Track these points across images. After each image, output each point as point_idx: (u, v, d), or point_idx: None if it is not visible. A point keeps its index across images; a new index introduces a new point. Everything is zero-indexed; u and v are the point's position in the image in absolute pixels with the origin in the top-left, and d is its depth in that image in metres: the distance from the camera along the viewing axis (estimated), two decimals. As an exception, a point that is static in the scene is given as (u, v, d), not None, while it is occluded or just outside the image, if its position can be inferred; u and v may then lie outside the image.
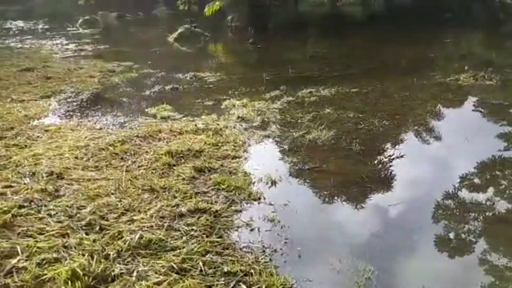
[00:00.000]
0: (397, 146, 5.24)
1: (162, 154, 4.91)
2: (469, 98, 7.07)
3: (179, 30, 14.58)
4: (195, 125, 5.89)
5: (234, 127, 5.84)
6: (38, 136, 5.76)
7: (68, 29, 19.62)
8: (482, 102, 6.83)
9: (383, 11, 22.67)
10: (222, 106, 6.90)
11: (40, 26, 21.57)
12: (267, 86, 7.97)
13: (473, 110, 6.55)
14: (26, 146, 5.38)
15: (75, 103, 7.56)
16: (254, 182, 4.29)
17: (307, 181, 4.38)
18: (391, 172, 4.59)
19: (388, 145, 5.33)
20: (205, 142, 5.25)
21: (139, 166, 4.69)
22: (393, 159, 4.85)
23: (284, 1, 16.57)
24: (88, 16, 21.52)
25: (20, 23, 23.19)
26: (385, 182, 4.39)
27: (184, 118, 6.34)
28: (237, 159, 4.85)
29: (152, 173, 4.49)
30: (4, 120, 6.54)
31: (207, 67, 9.70)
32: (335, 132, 5.50)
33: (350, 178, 4.40)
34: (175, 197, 3.96)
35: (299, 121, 6.05)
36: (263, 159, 4.86)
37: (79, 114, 6.95)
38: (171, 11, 26.77)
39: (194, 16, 15.61)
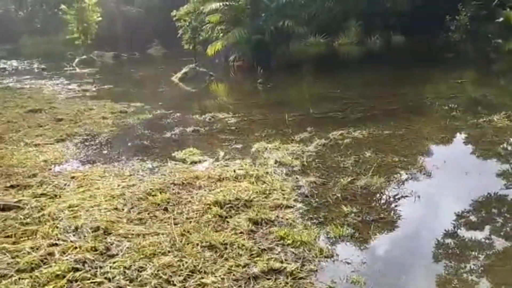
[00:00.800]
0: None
1: (209, 204, 4.55)
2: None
3: (184, 70, 14.38)
4: (234, 171, 5.53)
5: (275, 173, 5.49)
6: (65, 184, 5.37)
7: (65, 68, 19.34)
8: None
9: (379, 50, 22.96)
10: (253, 149, 6.59)
11: (36, 66, 21.29)
12: (293, 128, 7.70)
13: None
14: (56, 196, 4.99)
15: (94, 147, 7.22)
16: (319, 236, 3.93)
17: (376, 234, 4.03)
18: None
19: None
20: (251, 190, 4.88)
21: (187, 218, 4.32)
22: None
23: (278, 42, 16.46)
24: (85, 56, 21.30)
25: (14, 63, 22.89)
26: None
27: (217, 163, 5.98)
28: (291, 209, 4.50)
29: (205, 226, 4.11)
30: (23, 166, 6.17)
31: (223, 108, 9.42)
32: (386, 178, 5.18)
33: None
34: (241, 255, 3.58)
35: (341, 165, 5.75)
36: (318, 209, 4.52)
37: (101, 158, 6.58)
38: (166, 50, 26.86)
39: (194, 56, 15.40)
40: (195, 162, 6.13)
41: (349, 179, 5.22)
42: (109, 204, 4.66)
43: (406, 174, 5.43)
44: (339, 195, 4.83)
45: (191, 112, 9.36)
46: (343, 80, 13.18)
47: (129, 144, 7.37)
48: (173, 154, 6.54)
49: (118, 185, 5.27)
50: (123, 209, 4.53)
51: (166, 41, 27.03)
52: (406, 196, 4.80)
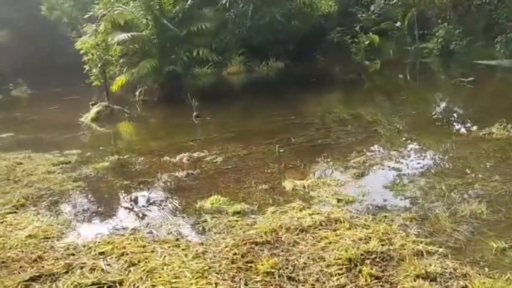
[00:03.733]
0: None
1: (343, 261, 3.64)
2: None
3: (95, 109, 12.71)
4: (311, 216, 4.65)
5: (358, 214, 4.73)
6: (108, 265, 4.00)
7: None
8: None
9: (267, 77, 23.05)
10: (287, 189, 5.73)
11: None
12: (294, 159, 6.99)
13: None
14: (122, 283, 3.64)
15: (79, 209, 5.75)
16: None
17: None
18: None
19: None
20: (365, 238, 4.07)
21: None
22: None
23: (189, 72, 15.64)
24: None
25: None
26: None
27: (271, 209, 5.02)
28: (435, 255, 3.77)
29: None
30: (11, 248, 4.56)
31: (187, 148, 8.26)
32: (487, 204, 4.71)
33: None
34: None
35: (413, 194, 5.17)
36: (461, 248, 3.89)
37: (109, 223, 5.20)
38: (34, 91, 24.01)
39: (107, 93, 13.79)
40: (239, 212, 5.08)
41: (443, 207, 4.65)
42: (207, 283, 3.49)
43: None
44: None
45: (154, 155, 8.07)
46: (278, 106, 12.75)
47: (124, 199, 5.98)
48: (197, 206, 5.39)
49: (185, 255, 4.06)
50: (241, 288, 3.40)
51: (29, 80, 24.27)
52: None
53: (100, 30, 13.18)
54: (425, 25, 24.83)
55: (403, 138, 8.08)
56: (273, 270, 3.64)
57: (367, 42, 24.62)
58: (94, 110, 12.77)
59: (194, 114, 11.49)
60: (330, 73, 21.76)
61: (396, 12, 26.07)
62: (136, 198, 5.95)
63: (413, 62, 21.61)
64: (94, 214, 5.56)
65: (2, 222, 5.38)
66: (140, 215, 5.38)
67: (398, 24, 25.99)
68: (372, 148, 7.42)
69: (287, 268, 3.68)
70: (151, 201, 5.79)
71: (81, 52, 13.34)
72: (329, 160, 6.88)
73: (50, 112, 15.64)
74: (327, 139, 8.22)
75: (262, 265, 3.72)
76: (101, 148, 9.20)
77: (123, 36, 13.29)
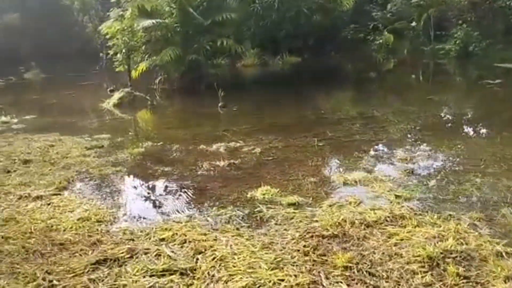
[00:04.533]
0: None
1: (424, 262, 3.53)
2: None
3: (118, 95, 12.57)
4: (374, 212, 4.55)
5: (414, 211, 4.61)
6: (174, 252, 3.90)
7: None
8: None
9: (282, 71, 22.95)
10: (337, 183, 5.63)
11: None
12: (340, 153, 6.89)
13: None
14: (194, 272, 3.55)
15: (124, 194, 5.63)
16: None
17: None
18: None
19: None
20: (439, 236, 3.97)
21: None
22: None
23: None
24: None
25: None
26: None
27: (327, 203, 4.92)
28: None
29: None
30: (63, 230, 4.46)
31: (221, 138, 8.16)
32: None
33: None
34: None
35: (472, 194, 5.07)
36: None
37: (162, 208, 5.10)
38: (46, 75, 23.86)
39: (129, 79, 13.64)
40: (293, 204, 4.98)
41: None
42: (285, 274, 3.39)
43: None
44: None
45: (188, 143, 7.95)
46: (302, 100, 12.65)
47: (170, 186, 5.87)
48: (248, 196, 5.28)
49: (252, 245, 3.96)
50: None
51: (40, 64, 24.13)
52: None
53: (126, 15, 13.02)
54: (440, 26, 24.68)
55: (450, 137, 7.82)
56: (350, 265, 3.54)
57: (380, 41, 24.61)
58: (116, 95, 12.64)
59: (220, 104, 11.36)
60: (345, 70, 21.71)
61: (411, 11, 25.88)
62: (182, 185, 5.83)
63: (428, 63, 21.46)
64: (143, 200, 5.46)
65: (49, 204, 5.27)
66: (190, 202, 5.27)
67: (414, 24, 25.81)
68: (416, 145, 7.30)
69: (364, 263, 3.57)
70: (198, 188, 5.68)
71: (107, 36, 13.15)
72: (373, 155, 6.78)
73: (67, 96, 15.51)
74: (365, 134, 8.11)
75: (338, 259, 3.60)
76: (130, 133, 9.10)
77: (148, 22, 13.12)
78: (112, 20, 13.88)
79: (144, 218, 4.83)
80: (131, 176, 6.39)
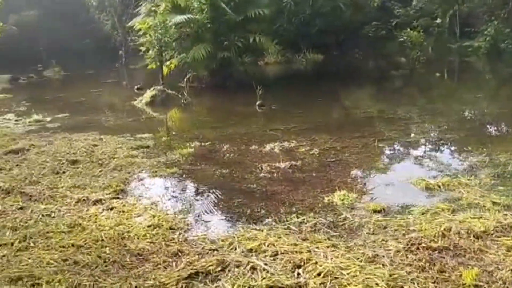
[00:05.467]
0: None
1: None
2: None
3: (150, 93, 12.21)
4: (478, 220, 4.14)
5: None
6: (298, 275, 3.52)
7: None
8: None
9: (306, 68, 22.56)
10: (418, 187, 5.28)
11: None
12: (405, 155, 6.48)
13: None
14: None
15: (190, 199, 5.26)
16: None
17: None
18: None
19: None
20: None
21: None
22: None
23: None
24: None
25: None
26: None
27: (415, 210, 4.52)
28: None
29: None
30: (147, 240, 4.08)
31: (270, 137, 7.78)
32: None
33: None
34: None
35: None
36: None
37: (238, 216, 4.71)
38: (67, 72, 23.61)
39: (162, 76, 13.28)
40: (379, 211, 4.58)
41: None
42: None
43: None
44: None
45: (238, 143, 7.58)
46: (339, 98, 12.25)
47: (234, 189, 5.50)
48: (325, 201, 4.89)
49: (355, 258, 3.56)
50: None
51: (60, 62, 23.87)
52: None
53: (159, 10, 12.65)
54: (467, 22, 24.14)
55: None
56: (480, 283, 3.14)
57: (403, 39, 24.11)
58: (148, 93, 12.28)
59: (258, 102, 10.98)
60: (370, 68, 21.27)
61: (435, 8, 25.34)
62: (247, 188, 5.46)
63: (456, 61, 20.96)
64: (210, 204, 5.08)
65: (111, 209, 4.92)
66: (262, 207, 4.89)
67: (439, 20, 25.28)
68: (484, 146, 6.86)
69: (495, 281, 3.16)
70: (266, 192, 5.30)
71: (140, 33, 12.77)
72: (445, 157, 6.36)
73: (94, 94, 15.21)
74: (422, 135, 7.68)
75: (463, 276, 3.20)
76: (173, 133, 8.72)
77: (181, 18, 12.76)
78: (142, 15, 13.51)
79: (218, 225, 4.45)
80: (190, 179, 6.02)
